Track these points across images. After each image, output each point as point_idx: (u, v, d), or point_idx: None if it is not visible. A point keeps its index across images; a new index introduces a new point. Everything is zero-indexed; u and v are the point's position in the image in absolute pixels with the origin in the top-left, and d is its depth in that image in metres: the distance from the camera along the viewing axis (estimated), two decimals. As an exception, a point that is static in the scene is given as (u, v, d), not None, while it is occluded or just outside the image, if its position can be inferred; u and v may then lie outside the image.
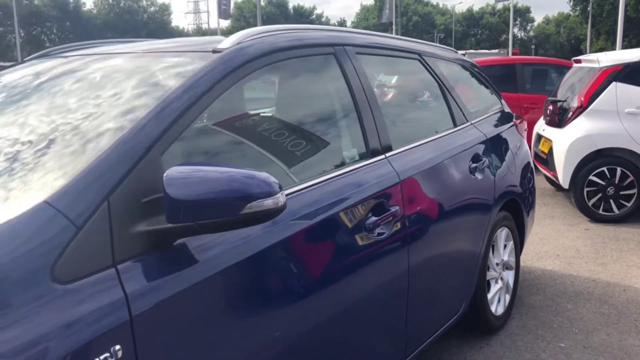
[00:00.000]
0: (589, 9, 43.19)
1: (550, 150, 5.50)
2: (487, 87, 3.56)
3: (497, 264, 3.04)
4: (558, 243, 4.59)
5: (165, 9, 69.05)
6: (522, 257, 3.65)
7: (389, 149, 2.15)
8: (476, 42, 70.64)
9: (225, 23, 49.57)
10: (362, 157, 2.04)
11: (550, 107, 5.77)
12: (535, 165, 4.45)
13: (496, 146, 3.04)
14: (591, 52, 36.26)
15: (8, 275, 1.06)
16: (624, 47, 21.41)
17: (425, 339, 2.35)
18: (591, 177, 5.18)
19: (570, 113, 5.36)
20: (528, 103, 7.74)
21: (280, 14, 68.51)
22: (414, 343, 2.26)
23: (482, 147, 2.86)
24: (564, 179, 5.26)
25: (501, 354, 2.82)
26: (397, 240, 2.01)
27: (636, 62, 5.17)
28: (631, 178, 5.11)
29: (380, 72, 2.87)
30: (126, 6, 64.42)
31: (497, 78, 6.20)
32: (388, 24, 40.58)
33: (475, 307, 2.80)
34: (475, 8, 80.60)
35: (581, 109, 5.26)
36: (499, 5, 59.90)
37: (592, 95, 5.22)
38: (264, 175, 1.30)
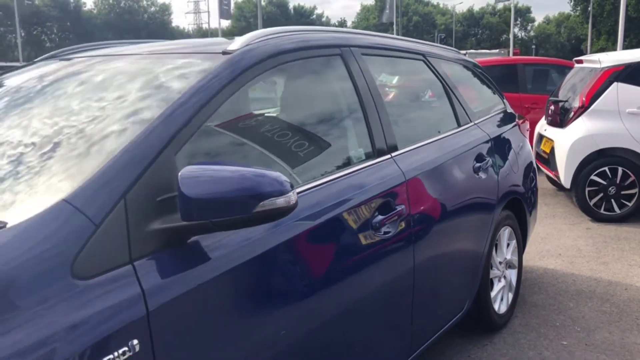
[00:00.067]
0: (589, 9, 43.21)
1: (552, 150, 5.53)
2: (489, 87, 3.59)
3: (500, 263, 3.07)
4: (560, 242, 4.62)
5: (165, 9, 69.13)
6: (524, 256, 3.68)
7: (395, 148, 2.18)
8: (477, 42, 70.69)
9: (225, 23, 49.64)
10: (369, 156, 2.07)
11: (552, 107, 5.80)
12: (536, 165, 4.48)
13: (499, 146, 3.07)
14: (592, 52, 36.30)
15: (31, 270, 1.09)
16: (625, 47, 21.43)
17: (429, 336, 2.38)
18: (592, 177, 5.21)
19: (572, 113, 5.39)
20: (529, 103, 7.77)
21: (280, 14, 68.56)
22: (419, 340, 2.29)
23: (486, 147, 2.89)
24: (565, 179, 5.29)
25: (504, 351, 2.85)
26: (403, 238, 2.04)
27: (637, 62, 5.20)
28: (632, 178, 5.14)
29: (383, 72, 2.90)
30: (126, 6, 64.48)
31: (498, 78, 6.22)
32: (389, 24, 40.61)
33: (478, 305, 2.83)
34: (476, 8, 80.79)
35: (583, 109, 5.29)
36: (500, 5, 59.95)
37: (594, 95, 5.25)
38: (275, 174, 1.33)
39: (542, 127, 6.08)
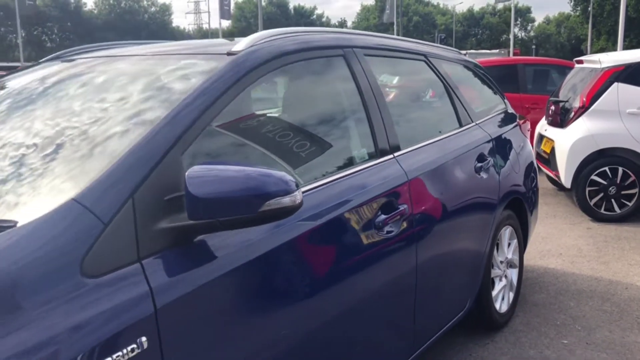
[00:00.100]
0: (589, 9, 43.24)
1: (553, 150, 5.55)
2: (490, 87, 3.61)
3: (502, 262, 3.08)
4: (560, 242, 4.64)
5: (166, 9, 69.12)
6: (525, 256, 3.70)
7: (397, 148, 2.20)
8: (477, 42, 70.71)
9: (225, 23, 49.66)
10: (371, 156, 2.09)
11: (553, 108, 5.82)
12: (537, 165, 4.50)
13: (500, 146, 3.09)
14: (592, 52, 36.32)
15: (41, 268, 1.11)
16: (625, 47, 21.45)
17: (431, 335, 2.40)
18: (593, 177, 5.22)
19: (572, 113, 5.41)
20: (530, 103, 7.79)
21: (281, 14, 68.58)
22: (421, 339, 2.30)
23: (487, 147, 2.91)
24: (566, 179, 5.31)
25: (505, 350, 2.87)
26: (406, 238, 2.06)
27: (637, 62, 5.22)
28: (632, 178, 5.16)
29: (384, 73, 2.92)
30: (127, 6, 64.49)
31: (499, 78, 6.24)
32: (389, 24, 40.64)
33: (480, 304, 2.85)
34: (476, 8, 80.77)
35: (583, 109, 5.31)
36: (500, 6, 59.96)
37: (594, 95, 5.27)
38: (280, 173, 1.35)
39: (543, 127, 6.10)
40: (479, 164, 2.74)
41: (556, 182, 5.96)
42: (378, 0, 65.96)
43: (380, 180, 2.01)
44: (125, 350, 1.15)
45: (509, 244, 3.18)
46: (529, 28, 76.39)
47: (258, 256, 1.48)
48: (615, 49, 25.71)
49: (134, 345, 1.16)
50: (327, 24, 77.21)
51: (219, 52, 1.81)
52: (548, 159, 5.70)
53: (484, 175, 2.76)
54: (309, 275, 1.65)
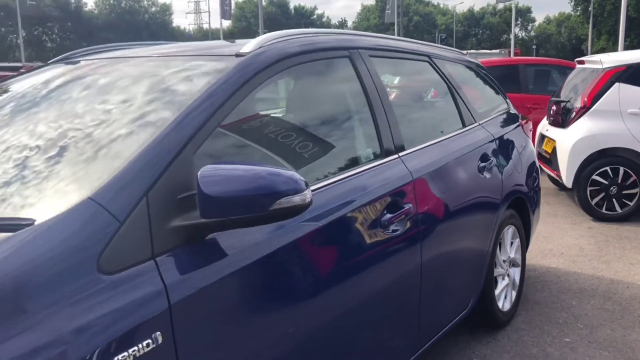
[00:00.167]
0: (590, 9, 43.25)
1: (554, 150, 5.58)
2: (493, 88, 3.64)
3: (504, 261, 3.11)
4: (562, 241, 4.67)
5: (166, 9, 69.13)
6: (527, 255, 3.72)
7: (402, 148, 2.23)
8: (477, 42, 70.72)
9: (226, 23, 49.65)
10: (377, 156, 2.11)
11: (554, 108, 5.84)
12: (538, 164, 4.53)
13: (503, 146, 3.12)
14: (592, 52, 36.32)
15: (59, 265, 1.13)
16: (626, 47, 21.45)
17: (435, 333, 2.43)
18: (594, 177, 5.25)
19: (574, 113, 5.43)
20: (531, 103, 7.82)
21: (281, 14, 68.61)
22: (425, 337, 2.33)
23: (490, 147, 2.93)
24: (567, 178, 5.33)
25: (508, 348, 2.89)
26: (411, 237, 2.09)
27: (638, 63, 5.25)
28: (634, 177, 5.19)
29: (388, 73, 2.95)
30: (127, 6, 64.50)
31: (500, 79, 6.27)
32: (389, 24, 40.65)
33: (483, 302, 2.88)
34: (476, 8, 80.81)
35: (584, 109, 5.33)
36: (500, 6, 59.99)
37: (595, 95, 5.30)
38: (290, 173, 1.38)
39: (544, 127, 6.13)
40: (482, 164, 2.77)
41: (557, 182, 5.98)
42: (378, 0, 65.99)
43: (385, 180, 2.03)
44: (140, 345, 1.17)
45: (512, 243, 3.21)
46: (529, 28, 76.43)
47: (268, 254, 1.51)
48: (615, 49, 25.73)
49: (149, 340, 1.19)
50: (328, 24, 77.24)
51: (227, 53, 1.84)
52: (549, 159, 5.72)
53: (487, 175, 2.78)
54: (317, 273, 1.68)
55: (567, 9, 70.09)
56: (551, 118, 5.91)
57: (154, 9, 67.90)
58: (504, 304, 3.09)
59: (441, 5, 78.57)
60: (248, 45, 1.82)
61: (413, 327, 2.21)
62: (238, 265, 1.42)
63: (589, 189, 5.27)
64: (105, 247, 1.20)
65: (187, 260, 1.33)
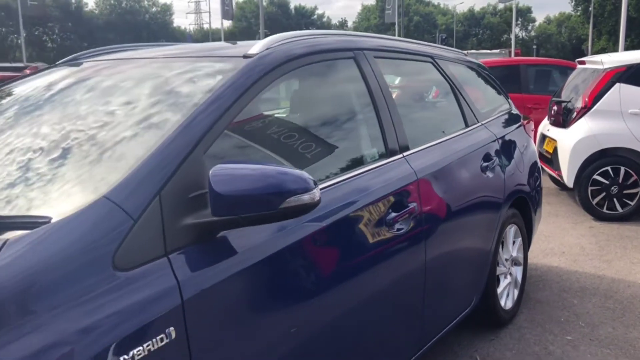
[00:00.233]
0: (590, 9, 43.28)
1: (555, 150, 5.60)
2: (495, 88, 3.67)
3: (507, 260, 3.14)
4: (563, 240, 4.69)
5: (166, 9, 69.15)
6: (528, 254, 3.75)
7: (406, 148, 2.26)
8: (477, 42, 70.76)
9: (226, 23, 49.67)
10: (382, 156, 2.14)
11: (555, 108, 5.87)
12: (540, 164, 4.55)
13: (505, 146, 3.15)
14: (592, 52, 36.32)
15: (76, 261, 1.16)
16: (626, 47, 21.46)
17: (439, 331, 2.46)
18: (595, 176, 5.28)
19: (575, 113, 5.46)
20: (532, 103, 7.84)
21: (282, 14, 68.64)
22: (429, 335, 2.36)
23: (493, 147, 2.96)
24: (568, 178, 5.36)
25: (510, 346, 2.92)
26: (415, 235, 2.12)
27: (639, 63, 5.27)
28: (634, 177, 5.21)
29: (393, 74, 2.98)
30: (128, 6, 64.52)
31: (501, 79, 6.30)
32: (390, 24, 40.67)
33: (485, 301, 2.90)
34: (477, 8, 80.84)
35: (585, 109, 5.36)
36: (501, 6, 60.02)
37: (596, 96, 5.33)
38: (298, 172, 1.41)
39: (545, 127, 6.16)
40: (485, 164, 2.80)
41: (558, 182, 6.01)
42: (379, 0, 66.02)
43: (390, 179, 2.06)
44: (154, 340, 1.20)
45: (514, 242, 3.24)
46: (529, 28, 76.46)
47: (276, 252, 1.53)
48: (616, 49, 25.75)
49: (163, 335, 1.22)
50: (328, 24, 77.27)
51: (235, 54, 1.87)
52: (550, 159, 5.75)
53: (489, 174, 2.81)
54: (325, 270, 1.71)
55: (568, 9, 70.18)
56: (552, 118, 5.93)
57: (154, 9, 67.92)
58: (506, 302, 3.12)
59: (441, 5, 78.71)
60: (255, 47, 1.85)
61: (417, 324, 2.23)
62: (248, 262, 1.45)
63: (590, 188, 5.30)
64: (120, 244, 1.23)
65: (199, 258, 1.36)
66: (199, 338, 1.30)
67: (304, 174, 1.41)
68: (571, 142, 5.34)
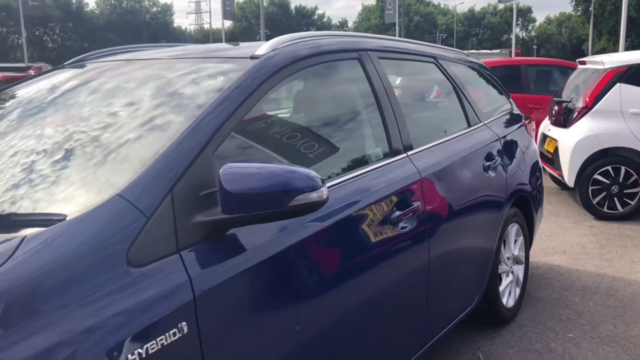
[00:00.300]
0: (590, 9, 43.29)
1: (556, 149, 5.63)
2: (497, 88, 3.70)
3: (508, 258, 3.17)
4: (564, 239, 4.72)
5: (167, 10, 69.18)
6: (530, 253, 3.78)
7: (410, 148, 2.29)
8: (478, 42, 70.79)
9: (227, 23, 49.72)
10: (386, 155, 2.17)
11: (556, 108, 5.90)
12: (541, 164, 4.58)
13: (507, 146, 3.18)
14: (593, 52, 36.34)
15: (91, 257, 1.19)
16: (627, 47, 21.48)
17: (442, 329, 2.48)
18: (596, 176, 5.31)
19: (576, 113, 5.49)
20: (533, 103, 7.87)
21: (282, 15, 68.68)
22: (432, 333, 2.39)
23: (495, 146, 2.99)
24: (569, 178, 5.39)
25: (512, 344, 2.95)
26: (419, 234, 2.15)
27: (640, 63, 5.31)
28: (635, 177, 5.24)
29: (396, 74, 3.01)
30: (128, 7, 64.56)
31: (502, 79, 6.33)
32: (390, 25, 40.69)
33: (488, 299, 2.93)
34: (477, 8, 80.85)
35: (586, 109, 5.39)
36: (501, 6, 60.03)
37: (597, 96, 5.36)
38: (306, 170, 1.44)
39: (546, 127, 6.19)
40: (487, 163, 2.83)
41: (559, 181, 6.04)
42: (379, 0, 66.05)
43: (394, 179, 2.09)
44: (167, 334, 1.23)
45: (516, 241, 3.27)
46: (530, 28, 76.49)
47: (284, 249, 1.56)
48: (616, 49, 25.77)
49: (175, 330, 1.25)
50: (328, 24, 77.32)
51: (241, 55, 1.90)
52: (551, 159, 5.78)
53: (492, 174, 2.84)
54: (330, 268, 1.74)
55: (568, 9, 70.15)
56: (553, 118, 5.96)
57: (155, 9, 67.96)
58: (508, 300, 3.15)
59: (442, 5, 78.74)
60: (262, 48, 1.88)
61: (420, 322, 2.26)
62: (257, 259, 1.48)
63: (590, 188, 5.33)
64: (134, 241, 1.26)
65: (209, 255, 1.39)
66: (210, 333, 1.33)
67: (311, 172, 1.44)
68: (572, 141, 5.37)
